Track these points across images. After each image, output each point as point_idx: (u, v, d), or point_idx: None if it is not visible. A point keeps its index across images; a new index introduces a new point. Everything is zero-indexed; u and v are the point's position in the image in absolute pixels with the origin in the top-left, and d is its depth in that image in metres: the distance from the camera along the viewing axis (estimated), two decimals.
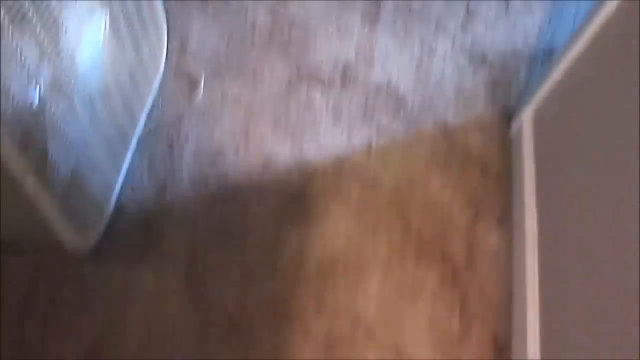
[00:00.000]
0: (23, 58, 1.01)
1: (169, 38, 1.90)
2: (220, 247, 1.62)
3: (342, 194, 1.75)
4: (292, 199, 1.72)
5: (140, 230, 1.63)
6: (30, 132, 1.09)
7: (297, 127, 1.85)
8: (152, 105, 1.80)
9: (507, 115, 1.99)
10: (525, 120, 1.85)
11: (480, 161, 1.87)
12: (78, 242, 1.37)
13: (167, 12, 1.91)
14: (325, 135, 1.85)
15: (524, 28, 2.21)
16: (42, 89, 1.10)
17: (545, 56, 2.17)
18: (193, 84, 1.87)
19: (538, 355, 1.38)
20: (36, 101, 1.09)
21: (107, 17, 1.40)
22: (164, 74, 1.86)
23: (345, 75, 1.98)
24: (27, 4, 1.01)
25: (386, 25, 2.12)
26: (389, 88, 1.97)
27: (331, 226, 1.68)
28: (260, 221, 1.67)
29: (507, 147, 1.91)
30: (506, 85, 2.06)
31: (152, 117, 1.80)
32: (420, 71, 2.04)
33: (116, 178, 1.58)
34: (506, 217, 1.75)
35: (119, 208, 1.63)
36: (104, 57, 1.36)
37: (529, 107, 1.82)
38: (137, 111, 1.67)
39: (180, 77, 1.88)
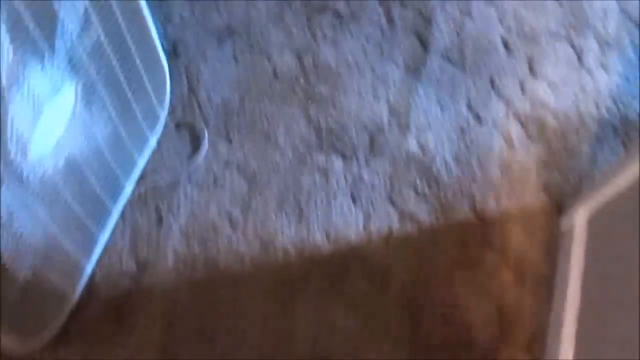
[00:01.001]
0: None
1: (176, 84, 1.72)
2: (201, 341, 1.44)
3: (347, 288, 1.53)
4: (290, 287, 1.52)
5: (111, 317, 1.47)
6: None
7: (308, 204, 1.64)
8: (147, 165, 1.62)
9: (560, 205, 1.70)
10: (580, 218, 1.58)
11: (517, 262, 1.62)
12: (21, 348, 1.22)
13: (175, 53, 1.72)
14: (339, 217, 1.63)
15: (595, 91, 1.91)
16: None
17: (617, 130, 1.86)
18: (196, 143, 1.69)
19: None
20: None
21: (78, 88, 1.22)
22: (165, 127, 1.68)
23: (373, 142, 1.75)
24: None
25: (430, 82, 1.86)
26: (422, 160, 1.73)
27: (328, 323, 1.47)
28: (250, 313, 1.48)
29: (552, 247, 1.63)
30: (564, 165, 1.78)
31: (145, 179, 1.63)
32: (463, 141, 1.78)
33: (87, 261, 1.42)
34: (537, 343, 1.48)
35: (90, 289, 1.47)
36: (72, 132, 1.21)
37: (587, 201, 1.54)
38: (124, 177, 1.52)
39: (183, 132, 1.70)
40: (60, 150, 1.20)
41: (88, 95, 1.25)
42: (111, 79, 1.34)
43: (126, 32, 1.35)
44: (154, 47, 1.51)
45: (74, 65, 1.17)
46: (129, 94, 1.43)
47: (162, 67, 1.59)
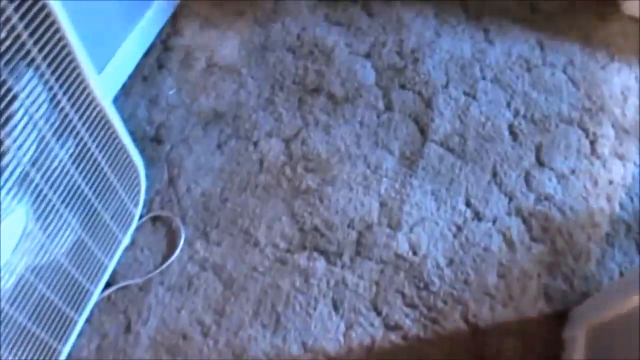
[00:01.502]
0: None
1: (156, 172, 1.69)
2: None
3: None
4: None
5: None
6: None
7: (285, 311, 1.56)
8: (119, 263, 1.57)
9: (562, 315, 1.59)
10: (584, 332, 1.46)
11: None
12: None
13: (158, 139, 1.68)
14: (318, 325, 1.55)
15: (608, 183, 1.79)
16: None
17: (630, 229, 1.73)
18: (171, 239, 1.63)
19: None
20: None
21: (31, 208, 1.17)
22: (140, 224, 1.62)
23: (360, 241, 1.66)
24: None
25: (426, 172, 1.77)
26: (412, 262, 1.64)
27: None
28: None
29: None
30: (569, 270, 1.66)
31: (116, 279, 1.57)
32: (458, 241, 1.67)
33: None
34: None
35: None
36: (23, 252, 1.20)
37: (593, 315, 1.43)
38: (90, 283, 1.49)
39: (159, 227, 1.63)
40: (8, 270, 1.16)
41: (44, 213, 1.21)
42: (74, 193, 1.30)
43: (93, 147, 1.32)
44: (126, 153, 1.47)
45: (25, 186, 1.13)
46: (96, 203, 1.39)
47: (135, 167, 1.54)
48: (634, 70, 2.08)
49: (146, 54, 1.96)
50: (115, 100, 1.85)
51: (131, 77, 1.90)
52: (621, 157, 1.89)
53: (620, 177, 1.86)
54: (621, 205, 1.81)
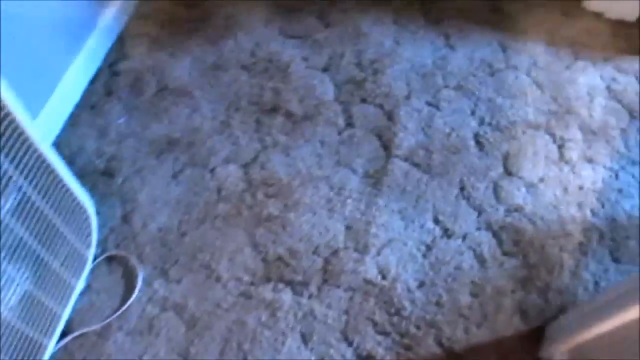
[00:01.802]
0: None
1: (109, 209, 1.63)
2: None
3: None
4: None
5: None
6: None
7: (252, 349, 1.50)
8: (74, 311, 1.50)
9: (538, 331, 1.56)
10: (562, 348, 1.43)
11: None
12: None
13: (109, 173, 1.61)
14: None
15: (578, 189, 1.76)
16: None
17: (603, 236, 1.70)
18: (129, 280, 1.56)
19: None
20: None
21: None
22: (94, 265, 1.55)
23: (327, 268, 1.61)
24: None
25: (392, 191, 1.72)
26: (381, 287, 1.60)
27: None
28: None
29: None
30: (543, 283, 1.63)
31: (71, 328, 1.49)
32: (428, 261, 1.63)
33: None
34: None
35: None
36: None
37: (570, 333, 1.40)
38: (43, 336, 1.42)
39: (115, 267, 1.56)
40: None
41: None
42: (16, 248, 1.23)
43: (35, 196, 1.25)
44: (72, 196, 1.40)
45: None
46: (43, 253, 1.33)
47: (84, 208, 1.47)
48: (599, 69, 2.05)
49: (93, 80, 1.88)
50: (62, 133, 1.76)
51: (78, 106, 1.82)
52: (590, 161, 1.86)
53: (590, 182, 1.82)
54: (592, 212, 1.78)
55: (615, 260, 1.71)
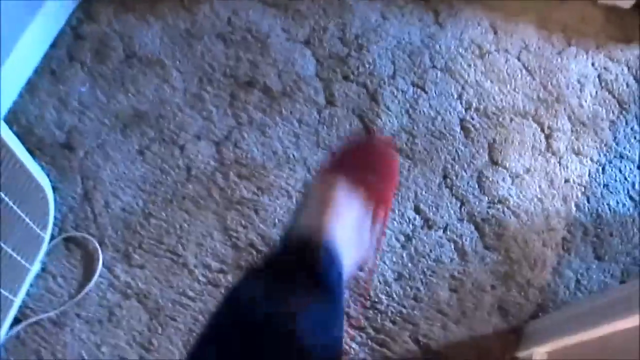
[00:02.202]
0: None
1: (69, 185, 1.53)
2: None
3: None
4: None
5: None
6: None
7: None
8: (29, 295, 1.39)
9: (517, 329, 1.52)
10: (541, 350, 1.40)
11: None
12: None
13: (70, 146, 1.49)
14: None
15: (563, 181, 1.71)
16: None
17: (587, 232, 1.65)
18: (88, 264, 1.45)
19: None
20: None
21: None
22: (51, 247, 1.44)
23: None
24: None
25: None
26: (358, 279, 1.50)
27: None
28: None
29: None
30: (524, 279, 1.58)
31: (25, 314, 1.39)
32: (408, 252, 1.56)
33: None
34: None
35: None
36: None
37: (550, 335, 1.36)
38: None
39: (73, 253, 1.47)
40: None
41: None
42: None
43: None
44: (26, 172, 1.29)
45: None
46: None
47: (39, 186, 1.36)
48: (591, 56, 1.98)
49: (54, 44, 1.73)
50: (19, 100, 1.63)
51: (37, 71, 1.69)
52: (578, 153, 1.80)
53: (576, 175, 1.76)
54: (577, 206, 1.73)
55: (598, 258, 1.66)
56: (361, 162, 0.95)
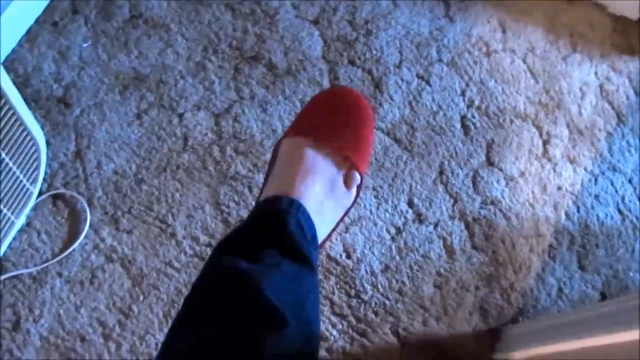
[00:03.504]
0: None
1: (62, 141, 1.48)
2: None
3: None
4: None
5: None
6: None
7: None
8: (10, 248, 1.36)
9: (495, 332, 1.51)
10: (518, 355, 1.40)
11: None
12: None
13: (66, 102, 1.45)
14: None
15: (556, 189, 1.71)
16: None
17: (574, 241, 1.65)
18: (74, 223, 1.41)
19: None
20: None
21: None
22: (38, 202, 1.40)
23: None
24: None
25: (370, 166, 1.60)
26: (345, 267, 1.50)
27: None
28: None
29: None
30: (508, 282, 1.57)
31: (5, 267, 1.35)
32: (397, 245, 1.54)
33: None
34: None
35: None
36: None
37: (528, 342, 1.36)
38: None
39: (60, 210, 1.42)
40: None
41: None
42: None
43: None
44: (20, 122, 1.25)
45: None
46: None
47: (33, 139, 1.31)
48: (595, 65, 1.96)
49: None
50: (18, 48, 1.57)
51: (39, 21, 1.62)
52: (572, 161, 1.79)
53: (569, 183, 1.75)
54: (567, 215, 1.72)
55: (582, 268, 1.66)
56: (330, 119, 0.86)
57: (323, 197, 0.82)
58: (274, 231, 0.74)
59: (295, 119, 0.91)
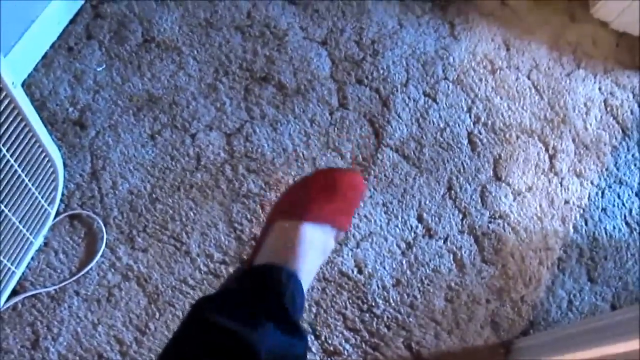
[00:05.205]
0: None
1: (78, 163, 1.52)
2: None
3: None
4: None
5: None
6: None
7: None
8: (29, 268, 1.38)
9: (507, 345, 1.53)
10: None
11: None
12: None
13: (82, 124, 1.49)
14: None
15: (563, 203, 1.73)
16: None
17: (582, 253, 1.66)
18: (91, 243, 1.44)
19: None
20: None
21: None
22: (55, 222, 1.43)
23: None
24: None
25: (379, 182, 1.63)
26: (356, 282, 1.52)
27: None
28: None
29: None
30: (518, 295, 1.58)
31: (24, 286, 1.37)
32: (408, 260, 1.56)
33: None
34: None
35: None
36: None
37: (539, 353, 1.37)
38: None
39: (77, 230, 1.45)
40: None
41: None
42: None
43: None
44: (39, 143, 1.28)
45: None
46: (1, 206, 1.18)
47: (51, 160, 1.34)
48: (599, 80, 1.99)
49: (73, 20, 1.71)
50: (34, 73, 1.61)
51: (54, 46, 1.66)
52: (579, 175, 1.81)
53: (576, 197, 1.77)
54: (575, 228, 1.73)
55: (591, 280, 1.67)
56: (328, 197, 0.93)
57: (317, 262, 0.91)
58: (271, 303, 0.80)
59: (285, 197, 0.98)
